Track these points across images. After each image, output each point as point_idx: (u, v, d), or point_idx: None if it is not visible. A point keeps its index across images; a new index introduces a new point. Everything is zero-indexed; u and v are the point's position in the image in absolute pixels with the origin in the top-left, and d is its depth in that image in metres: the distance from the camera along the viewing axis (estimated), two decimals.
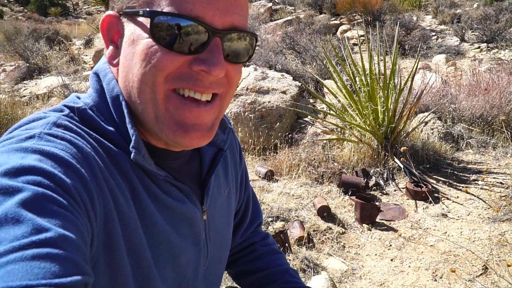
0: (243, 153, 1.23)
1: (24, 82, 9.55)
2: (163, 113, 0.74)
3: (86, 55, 12.43)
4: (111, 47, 0.79)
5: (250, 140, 5.42)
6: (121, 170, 0.76)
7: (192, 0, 0.69)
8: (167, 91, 0.73)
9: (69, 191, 0.61)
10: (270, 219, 3.48)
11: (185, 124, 0.75)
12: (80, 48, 14.33)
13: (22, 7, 37.60)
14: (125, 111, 0.77)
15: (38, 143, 0.65)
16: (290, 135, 5.53)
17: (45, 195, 0.57)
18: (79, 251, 0.56)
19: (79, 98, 0.82)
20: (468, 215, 3.62)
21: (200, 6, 0.69)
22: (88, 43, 14.66)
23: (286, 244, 3.11)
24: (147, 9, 0.70)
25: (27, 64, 10.32)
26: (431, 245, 3.25)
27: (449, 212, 3.70)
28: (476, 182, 4.14)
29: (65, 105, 0.79)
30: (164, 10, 0.69)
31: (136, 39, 0.73)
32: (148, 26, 0.71)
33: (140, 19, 0.72)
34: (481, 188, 3.98)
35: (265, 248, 1.30)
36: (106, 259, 0.70)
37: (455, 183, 4.18)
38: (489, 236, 3.24)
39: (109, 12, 0.78)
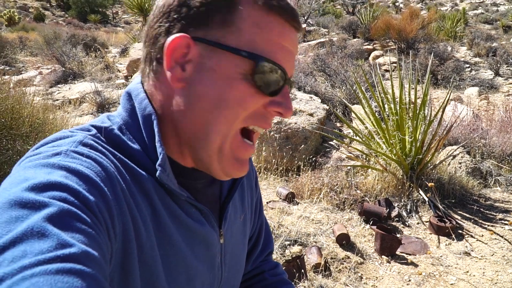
0: (258, 179, 1.26)
1: (59, 85, 9.83)
2: (227, 150, 0.80)
3: (121, 64, 12.70)
4: (177, 69, 0.77)
5: (273, 160, 5.40)
6: (143, 190, 0.77)
7: (281, 52, 0.78)
8: (237, 128, 0.80)
9: (92, 208, 0.62)
10: (288, 242, 3.45)
11: (242, 160, 0.84)
12: (116, 56, 14.65)
13: (64, 12, 38.91)
14: (156, 129, 0.78)
15: (64, 160, 0.66)
16: (314, 158, 5.50)
17: (70, 211, 0.58)
18: (100, 268, 0.57)
19: (109, 118, 0.84)
20: (492, 255, 3.50)
21: (285, 60, 0.79)
22: (124, 51, 14.95)
23: (302, 270, 3.07)
24: (253, 53, 0.74)
25: (63, 69, 10.61)
26: (452, 284, 3.15)
27: (472, 250, 3.59)
28: (503, 221, 4.02)
29: (92, 125, 0.80)
30: (264, 56, 0.75)
31: (228, 77, 0.75)
32: (247, 67, 0.75)
33: (234, 56, 0.74)
34: (509, 229, 3.86)
35: (275, 278, 1.28)
36: (120, 279, 0.70)
37: (480, 221, 4.06)
38: None
39: (182, 34, 0.75)
